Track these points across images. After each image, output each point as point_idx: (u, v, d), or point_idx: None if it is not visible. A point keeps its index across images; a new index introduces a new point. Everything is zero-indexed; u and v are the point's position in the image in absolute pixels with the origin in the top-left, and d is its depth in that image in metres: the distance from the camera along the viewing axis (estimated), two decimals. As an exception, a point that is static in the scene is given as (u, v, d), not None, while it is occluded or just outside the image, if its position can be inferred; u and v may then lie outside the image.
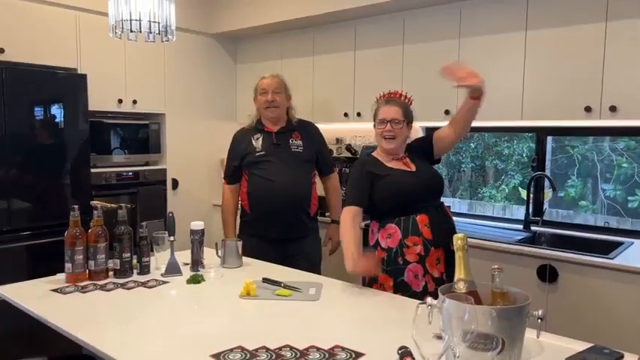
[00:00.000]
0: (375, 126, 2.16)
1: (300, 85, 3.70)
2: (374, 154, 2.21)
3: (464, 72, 2.01)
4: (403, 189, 2.08)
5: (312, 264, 2.56)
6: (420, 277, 2.01)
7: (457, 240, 1.25)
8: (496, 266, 1.25)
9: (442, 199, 2.21)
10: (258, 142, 2.65)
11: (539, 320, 1.19)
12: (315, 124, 2.86)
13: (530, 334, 1.24)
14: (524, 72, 2.78)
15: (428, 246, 2.02)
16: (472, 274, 1.26)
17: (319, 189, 2.83)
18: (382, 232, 2.08)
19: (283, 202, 2.55)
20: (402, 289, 2.00)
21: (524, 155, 3.85)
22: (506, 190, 3.92)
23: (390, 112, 2.12)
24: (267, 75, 2.71)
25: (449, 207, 2.20)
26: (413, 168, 2.15)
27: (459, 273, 1.23)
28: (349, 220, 2.06)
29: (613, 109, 2.49)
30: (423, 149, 2.22)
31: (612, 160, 3.46)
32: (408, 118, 2.16)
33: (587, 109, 2.56)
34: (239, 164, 2.69)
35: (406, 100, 2.21)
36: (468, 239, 2.13)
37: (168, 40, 1.95)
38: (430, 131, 3.63)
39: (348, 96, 3.57)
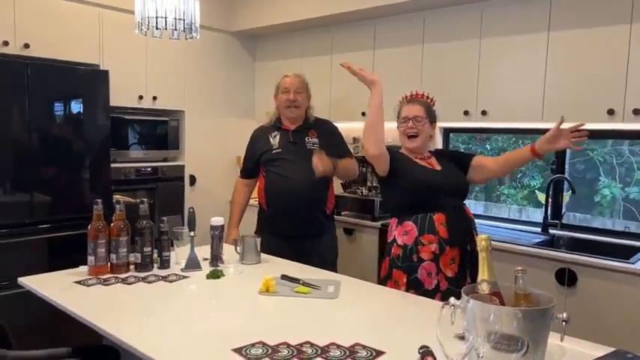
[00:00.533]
0: (398, 126, 2.21)
1: (318, 83, 3.69)
2: (401, 151, 2.24)
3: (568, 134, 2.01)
4: (425, 184, 2.10)
5: (327, 262, 2.57)
6: (433, 275, 2.02)
7: (481, 241, 1.24)
8: (520, 268, 1.24)
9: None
10: (275, 139, 2.67)
11: (564, 323, 1.18)
12: (334, 124, 2.86)
13: (553, 337, 1.24)
14: (545, 73, 2.76)
15: (443, 245, 2.03)
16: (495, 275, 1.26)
17: (337, 187, 2.83)
18: (399, 229, 2.10)
19: (299, 200, 2.57)
20: (415, 286, 2.01)
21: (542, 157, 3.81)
22: (525, 191, 3.88)
23: (413, 110, 2.17)
24: (290, 74, 2.72)
25: (468, 208, 2.19)
26: (438, 168, 2.17)
27: (483, 274, 1.23)
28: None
29: (637, 112, 2.46)
30: (458, 162, 2.24)
31: (632, 163, 3.41)
32: (431, 117, 2.20)
33: (610, 112, 2.53)
34: (256, 161, 2.71)
35: (429, 101, 2.24)
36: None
37: (192, 38, 1.97)
38: (448, 132, 3.64)
39: (365, 95, 3.51)
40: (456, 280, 2.00)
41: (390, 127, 3.79)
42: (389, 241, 2.16)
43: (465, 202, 2.20)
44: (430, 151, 2.27)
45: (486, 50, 2.98)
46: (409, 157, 2.19)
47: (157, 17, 1.83)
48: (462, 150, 3.94)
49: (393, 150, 2.19)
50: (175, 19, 1.86)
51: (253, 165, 2.74)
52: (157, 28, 1.87)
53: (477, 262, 1.29)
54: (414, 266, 2.03)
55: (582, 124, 1.98)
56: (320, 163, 2.50)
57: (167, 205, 3.65)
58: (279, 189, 2.61)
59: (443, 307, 1.05)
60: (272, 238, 2.55)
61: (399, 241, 2.09)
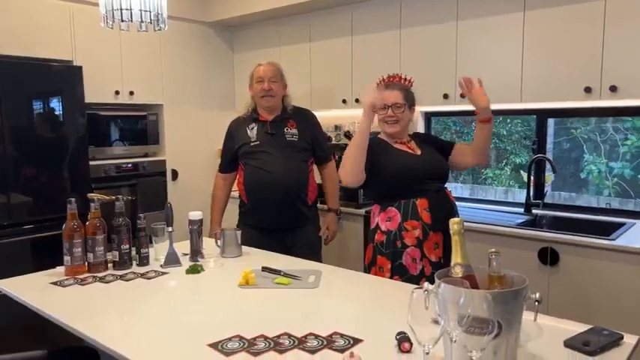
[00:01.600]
0: (377, 112, 2.13)
1: (298, 72, 3.67)
2: (380, 136, 2.21)
3: (479, 89, 2.06)
4: (406, 170, 2.08)
5: (312, 252, 2.56)
6: (418, 260, 2.02)
7: (453, 224, 1.23)
8: (493, 250, 1.24)
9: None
10: (252, 131, 2.63)
11: (537, 303, 1.18)
12: (312, 111, 2.83)
13: (528, 317, 1.24)
14: (522, 53, 2.75)
15: (427, 230, 2.03)
16: (470, 258, 1.25)
17: (319, 176, 2.82)
18: (382, 215, 2.09)
19: (279, 192, 2.54)
20: (400, 272, 2.02)
21: (524, 136, 3.82)
22: (508, 172, 3.90)
23: (391, 97, 2.11)
24: (264, 62, 2.68)
25: (450, 191, 2.19)
26: (418, 152, 2.16)
27: (456, 258, 1.22)
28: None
29: (613, 89, 2.46)
30: (439, 147, 2.23)
31: (616, 141, 3.43)
32: (410, 102, 2.16)
33: (587, 90, 2.53)
34: (234, 154, 2.67)
35: (406, 83, 2.21)
36: (470, 223, 2.11)
37: (160, 29, 1.93)
38: (429, 115, 3.63)
39: (345, 82, 3.54)
40: (440, 265, 2.00)
41: (358, 114, 3.77)
42: (372, 227, 2.15)
43: (445, 185, 2.19)
44: (410, 135, 2.25)
45: (463, 33, 2.96)
46: (388, 142, 2.17)
47: (121, 9, 1.78)
48: (448, 136, 3.94)
49: (370, 138, 2.16)
50: (141, 10, 1.81)
51: (231, 158, 2.71)
52: (122, 21, 1.82)
53: None
54: (399, 252, 2.03)
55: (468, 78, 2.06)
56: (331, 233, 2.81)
57: (150, 200, 3.61)
58: (258, 182, 2.58)
59: (413, 291, 1.04)
60: (254, 232, 2.53)
61: (383, 227, 2.08)
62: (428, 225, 2.03)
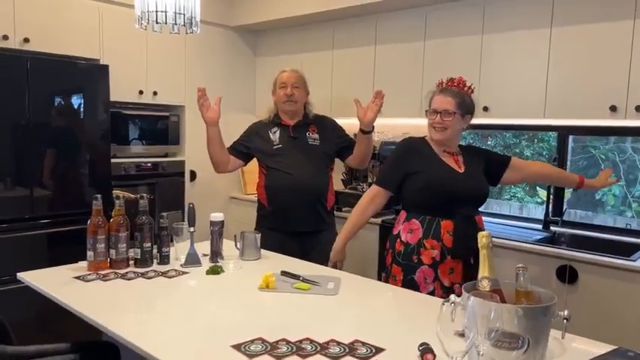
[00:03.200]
0: (427, 115, 2.08)
1: (319, 79, 3.69)
2: (428, 138, 2.13)
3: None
4: (440, 186, 2.00)
5: (328, 257, 2.55)
6: (430, 281, 1.98)
7: (482, 238, 1.24)
8: (521, 265, 1.24)
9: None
10: (275, 135, 2.66)
11: (565, 321, 1.18)
12: (332, 118, 2.85)
13: (554, 334, 1.23)
14: (548, 69, 2.74)
15: (445, 253, 1.98)
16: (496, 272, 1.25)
17: (336, 184, 2.83)
18: (406, 225, 2.06)
19: (301, 195, 2.56)
20: (411, 286, 1.98)
21: (544, 154, 3.80)
22: (526, 187, 3.87)
23: (443, 103, 2.01)
24: (287, 69, 2.71)
25: (481, 217, 2.10)
26: (461, 170, 2.06)
27: (483, 271, 1.22)
28: (366, 200, 2.16)
29: (639, 109, 2.44)
30: (490, 161, 2.15)
31: (635, 161, 3.39)
32: (463, 110, 2.03)
33: (613, 109, 2.52)
34: (246, 147, 2.70)
35: (466, 89, 2.07)
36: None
37: (192, 32, 1.96)
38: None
39: (367, 91, 3.54)
40: (452, 291, 1.95)
41: (385, 122, 3.76)
42: (394, 233, 2.12)
43: (479, 209, 2.12)
44: (461, 146, 2.14)
45: (488, 46, 2.96)
46: (435, 150, 2.08)
47: (157, 11, 1.82)
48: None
49: (415, 141, 2.13)
50: (175, 13, 1.84)
51: (243, 149, 2.71)
52: (157, 23, 1.85)
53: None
54: (413, 267, 2.01)
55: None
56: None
57: (167, 200, 3.64)
58: (281, 185, 2.60)
59: (443, 304, 1.04)
60: (273, 235, 2.54)
61: (403, 238, 2.06)
62: (447, 248, 1.97)
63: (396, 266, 2.06)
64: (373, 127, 2.57)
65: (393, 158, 2.18)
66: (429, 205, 2.01)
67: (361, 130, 2.52)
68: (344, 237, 2.26)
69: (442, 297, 1.90)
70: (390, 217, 3.12)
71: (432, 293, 1.96)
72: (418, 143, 2.12)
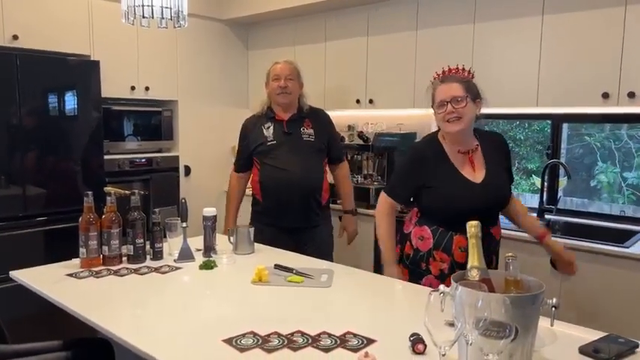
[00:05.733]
0: (434, 113, 1.86)
1: (312, 71, 3.67)
2: (439, 136, 1.92)
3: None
4: (454, 205, 1.82)
5: (323, 252, 2.56)
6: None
7: (470, 227, 1.23)
8: (510, 254, 1.23)
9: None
10: (269, 130, 2.63)
11: (554, 309, 1.18)
12: (326, 112, 2.84)
13: (543, 322, 1.23)
14: (540, 57, 2.73)
15: (454, 268, 1.83)
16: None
17: (329, 177, 2.82)
18: (417, 230, 1.93)
19: (296, 192, 2.55)
20: None
21: (537, 141, 3.80)
22: (523, 176, 3.88)
23: (449, 90, 1.80)
24: (281, 60, 2.69)
25: (498, 227, 1.96)
26: (480, 177, 1.85)
27: (472, 261, 1.22)
28: (386, 220, 1.97)
29: (631, 95, 2.44)
30: (504, 162, 1.94)
31: (630, 148, 3.40)
32: (472, 94, 1.82)
33: (605, 96, 2.51)
34: (249, 154, 2.68)
35: (467, 74, 1.88)
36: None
37: (180, 26, 1.94)
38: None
39: (360, 82, 3.55)
40: None
41: (379, 114, 3.75)
42: (405, 231, 1.99)
43: (498, 216, 1.95)
44: (477, 133, 1.90)
45: (480, 35, 2.95)
46: (448, 153, 1.87)
47: (143, 5, 1.80)
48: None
49: (425, 147, 1.94)
50: (162, 7, 1.83)
51: (247, 157, 2.71)
52: (143, 17, 1.84)
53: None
54: (420, 273, 1.91)
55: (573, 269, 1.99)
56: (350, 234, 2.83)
57: (162, 195, 3.64)
58: (275, 181, 2.59)
59: (430, 293, 1.04)
60: (268, 230, 2.54)
61: (413, 242, 1.93)
62: (457, 263, 1.83)
63: (404, 267, 1.97)
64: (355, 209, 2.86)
65: (404, 169, 2.00)
66: (442, 219, 1.86)
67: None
68: (391, 261, 2.00)
69: None
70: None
71: None
72: (429, 148, 1.91)
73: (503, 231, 2.61)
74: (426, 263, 1.90)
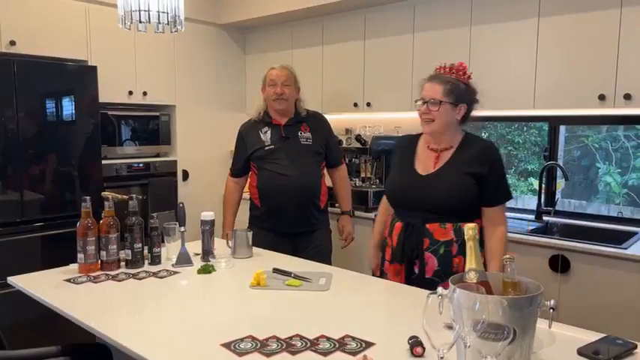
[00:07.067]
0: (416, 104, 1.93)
1: (310, 75, 3.68)
2: (423, 135, 2.01)
3: None
4: (392, 193, 2.02)
5: (322, 255, 2.56)
6: (389, 277, 1.98)
7: (468, 230, 1.23)
8: (508, 256, 1.24)
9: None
10: (266, 135, 2.63)
11: (551, 310, 1.18)
12: (324, 115, 2.84)
13: (542, 324, 1.23)
14: (536, 60, 2.74)
15: (394, 255, 1.96)
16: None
17: (327, 180, 2.82)
18: (388, 218, 2.07)
19: (294, 197, 2.54)
20: (384, 275, 2.03)
21: (535, 143, 3.81)
22: (518, 178, 3.89)
23: (429, 91, 1.84)
24: (277, 66, 2.68)
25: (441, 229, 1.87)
26: (432, 169, 1.89)
27: (470, 263, 1.22)
28: (383, 208, 2.15)
29: (627, 97, 2.45)
30: (486, 183, 1.84)
31: (628, 148, 3.41)
32: (454, 98, 1.82)
33: (601, 98, 2.52)
34: (247, 159, 2.68)
35: (461, 75, 1.86)
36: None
37: (177, 31, 1.95)
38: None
39: (357, 86, 3.55)
40: None
41: (377, 117, 3.76)
42: None
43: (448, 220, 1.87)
44: (463, 141, 1.89)
45: (477, 38, 2.96)
46: (416, 147, 1.98)
47: (140, 11, 1.80)
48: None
49: (406, 138, 2.07)
50: (159, 12, 1.83)
51: (244, 162, 2.70)
52: (140, 22, 1.84)
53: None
54: (383, 260, 2.04)
55: None
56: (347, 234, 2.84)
57: (160, 200, 3.64)
58: (273, 186, 2.58)
59: (428, 296, 1.04)
60: (266, 234, 2.54)
61: (384, 229, 2.08)
62: (394, 250, 1.95)
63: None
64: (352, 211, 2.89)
65: (393, 162, 2.14)
66: (392, 205, 2.04)
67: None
68: (371, 243, 2.19)
69: None
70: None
71: None
72: (408, 140, 2.05)
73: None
74: (384, 249, 2.02)
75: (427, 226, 1.86)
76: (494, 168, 1.85)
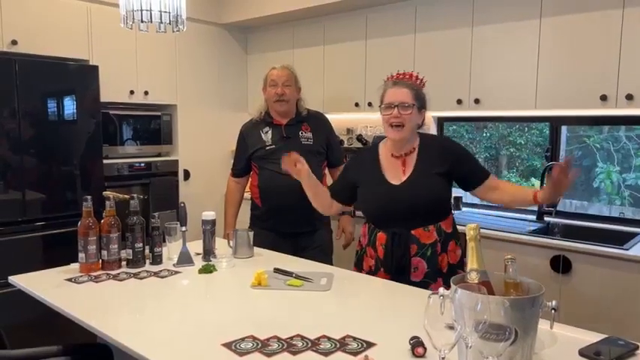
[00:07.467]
0: (381, 112, 1.91)
1: (311, 75, 3.68)
2: (381, 144, 2.03)
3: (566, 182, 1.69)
4: (371, 205, 1.97)
5: (323, 255, 2.56)
6: None
7: (470, 230, 1.23)
8: (509, 256, 1.23)
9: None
10: (267, 135, 2.63)
11: (553, 311, 1.17)
12: (325, 115, 2.84)
13: (543, 324, 1.23)
14: (538, 60, 2.74)
15: (378, 265, 1.95)
16: (485, 264, 1.25)
17: (328, 179, 2.82)
18: (364, 227, 2.05)
19: (295, 197, 2.52)
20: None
21: (537, 143, 3.81)
22: (519, 179, 3.88)
23: (398, 95, 1.85)
24: (278, 66, 2.68)
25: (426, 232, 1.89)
26: (404, 177, 1.90)
27: (472, 263, 1.22)
28: (328, 202, 2.13)
29: (629, 97, 2.44)
30: (461, 171, 1.90)
31: (629, 149, 3.40)
32: (420, 103, 1.89)
33: (603, 98, 2.52)
34: (247, 159, 2.67)
35: (418, 82, 1.92)
36: (481, 229, 2.01)
37: (179, 30, 1.95)
38: (442, 121, 3.62)
39: (359, 86, 3.55)
40: None
41: (378, 117, 3.77)
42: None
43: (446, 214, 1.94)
44: (420, 143, 1.94)
45: (478, 38, 2.96)
46: (379, 157, 1.97)
47: (141, 10, 1.80)
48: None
49: (365, 150, 2.08)
50: (160, 11, 1.83)
51: (245, 163, 2.70)
52: (142, 22, 1.84)
53: None
54: (360, 270, 2.03)
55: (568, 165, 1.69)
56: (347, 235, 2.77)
57: (161, 200, 3.64)
58: (274, 186, 2.57)
59: (430, 296, 1.04)
60: (267, 234, 2.53)
61: (361, 239, 2.05)
62: (380, 261, 1.93)
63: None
64: None
65: (342, 172, 2.19)
66: (368, 217, 2.01)
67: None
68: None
69: None
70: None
71: None
72: (368, 152, 2.06)
73: (503, 233, 2.64)
74: (362, 260, 2.02)
75: (412, 232, 1.88)
76: (461, 156, 1.94)
